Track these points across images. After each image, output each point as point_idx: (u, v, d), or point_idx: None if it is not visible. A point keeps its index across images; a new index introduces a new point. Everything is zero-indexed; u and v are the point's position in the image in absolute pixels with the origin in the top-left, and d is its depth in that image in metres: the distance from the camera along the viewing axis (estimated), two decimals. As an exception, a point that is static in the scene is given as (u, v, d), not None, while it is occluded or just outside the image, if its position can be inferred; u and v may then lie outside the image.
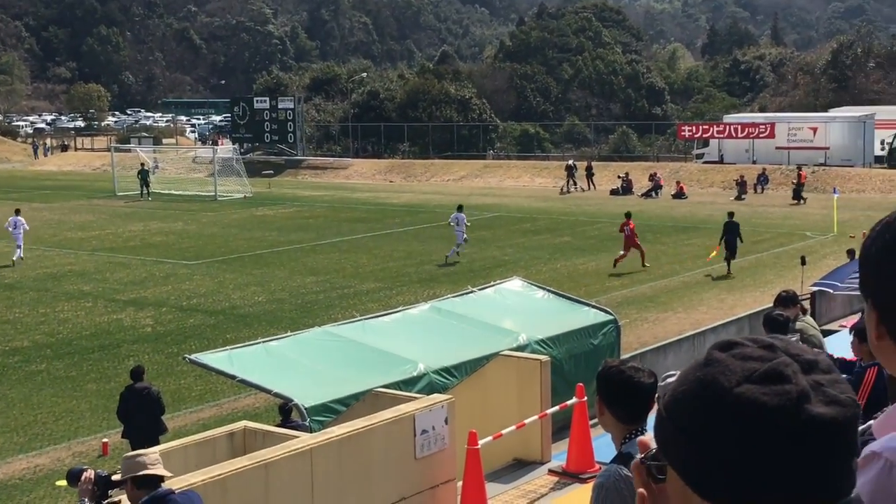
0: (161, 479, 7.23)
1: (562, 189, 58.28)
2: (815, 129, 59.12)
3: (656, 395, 4.45)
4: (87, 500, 7.39)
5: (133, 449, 11.59)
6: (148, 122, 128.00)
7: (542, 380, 13.86)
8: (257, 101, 79.10)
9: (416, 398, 11.70)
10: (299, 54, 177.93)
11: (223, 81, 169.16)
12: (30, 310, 27.63)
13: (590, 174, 58.60)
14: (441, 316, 15.57)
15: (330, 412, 11.87)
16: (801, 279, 23.66)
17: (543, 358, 14.26)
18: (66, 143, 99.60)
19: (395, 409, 10.97)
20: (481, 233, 39.64)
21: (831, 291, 19.90)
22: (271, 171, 71.68)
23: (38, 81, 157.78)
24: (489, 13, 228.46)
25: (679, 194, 52.67)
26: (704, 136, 64.05)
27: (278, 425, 12.68)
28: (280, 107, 76.36)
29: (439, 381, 13.29)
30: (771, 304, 13.14)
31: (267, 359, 13.14)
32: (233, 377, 12.82)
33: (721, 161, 61.07)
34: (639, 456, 1.72)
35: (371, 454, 10.48)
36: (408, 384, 12.82)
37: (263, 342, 13.80)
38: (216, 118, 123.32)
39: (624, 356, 16.38)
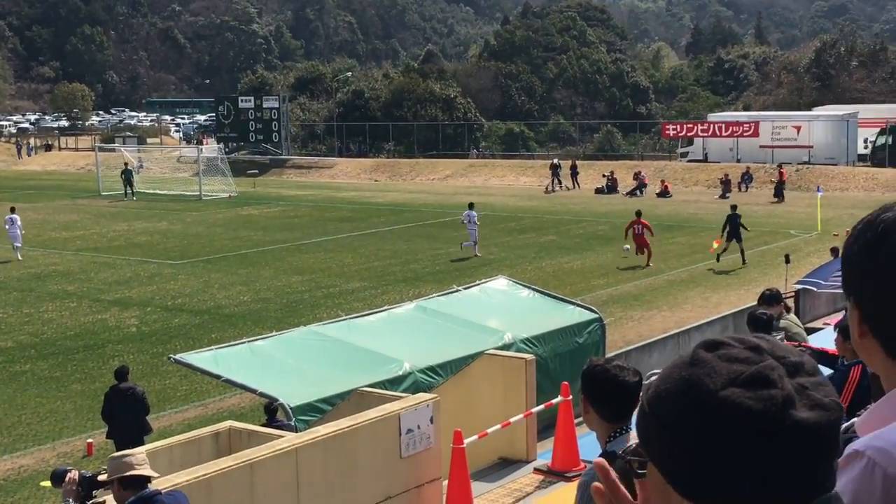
0: (148, 479, 7.21)
1: (547, 188, 58.34)
2: (798, 128, 59.36)
3: (641, 393, 4.46)
4: (71, 500, 7.36)
5: (118, 449, 11.55)
6: (132, 122, 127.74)
7: (528, 378, 13.87)
8: (242, 100, 78.97)
9: (401, 397, 11.69)
10: (284, 53, 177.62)
11: (208, 81, 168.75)
12: (14, 310, 27.50)
13: (574, 173, 58.68)
14: (426, 315, 15.56)
15: (315, 411, 11.85)
16: (786, 277, 23.72)
17: (528, 357, 14.27)
18: (49, 142, 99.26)
19: (381, 409, 10.97)
20: (466, 231, 39.60)
21: (815, 289, 19.94)
22: (256, 171, 71.55)
23: (21, 81, 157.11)
24: (474, 12, 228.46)
25: (664, 193, 52.77)
26: (689, 134, 64.22)
27: (263, 425, 12.65)
28: (265, 106, 76.26)
29: (425, 380, 13.29)
30: (755, 303, 13.19)
31: (252, 358, 13.11)
32: (218, 377, 12.79)
33: (705, 160, 61.26)
34: (620, 450, 1.72)
35: (356, 453, 10.47)
36: (393, 383, 12.82)
37: (248, 342, 13.77)
38: (201, 118, 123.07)
39: (609, 355, 16.41)
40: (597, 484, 1.66)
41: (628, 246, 32.70)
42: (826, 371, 8.08)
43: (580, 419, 10.66)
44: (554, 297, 17.79)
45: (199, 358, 13.09)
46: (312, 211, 49.55)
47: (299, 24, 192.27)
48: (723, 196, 50.86)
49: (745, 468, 1.49)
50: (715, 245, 31.79)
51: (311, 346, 13.79)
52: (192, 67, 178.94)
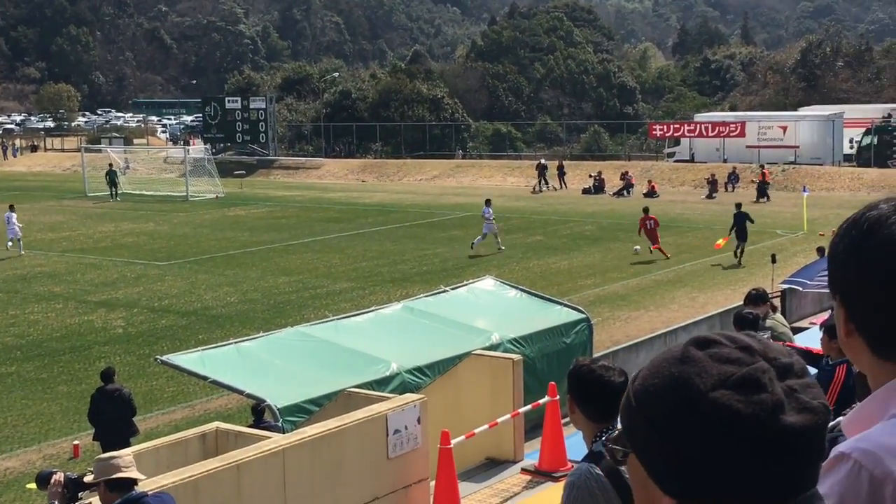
0: (135, 482, 7.19)
1: (534, 188, 58.37)
2: (784, 128, 59.51)
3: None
4: (56, 502, 7.34)
5: (104, 451, 11.52)
6: (119, 123, 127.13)
7: (515, 379, 13.88)
8: (229, 101, 78.78)
9: (388, 398, 11.69)
10: (271, 54, 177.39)
11: (194, 81, 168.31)
12: (-1, 312, 27.43)
13: (561, 173, 58.74)
14: (414, 315, 15.56)
15: (302, 412, 11.84)
16: (772, 277, 23.79)
17: (516, 357, 14.28)
18: (35, 143, 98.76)
19: (368, 409, 10.97)
20: (453, 232, 39.68)
21: (801, 289, 19.99)
22: (243, 172, 71.43)
23: (6, 81, 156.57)
24: (461, 12, 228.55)
25: (650, 193, 52.82)
26: (675, 135, 64.30)
27: (251, 426, 12.64)
28: (252, 107, 76.09)
29: (412, 380, 13.28)
30: (742, 302, 13.23)
31: (239, 359, 13.09)
32: (205, 378, 12.77)
33: (692, 160, 61.35)
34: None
35: (344, 454, 10.47)
36: (380, 384, 12.81)
37: (236, 343, 13.74)
38: (187, 118, 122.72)
39: (596, 355, 16.42)
40: None
41: (638, 247, 33.11)
42: (811, 370, 8.10)
43: (567, 419, 10.67)
44: (541, 298, 17.81)
45: (186, 359, 13.06)
46: (300, 212, 49.48)
47: (286, 24, 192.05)
48: (709, 196, 50.97)
49: (731, 469, 1.49)
50: (722, 242, 31.95)
51: (299, 347, 13.77)
52: (179, 68, 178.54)
